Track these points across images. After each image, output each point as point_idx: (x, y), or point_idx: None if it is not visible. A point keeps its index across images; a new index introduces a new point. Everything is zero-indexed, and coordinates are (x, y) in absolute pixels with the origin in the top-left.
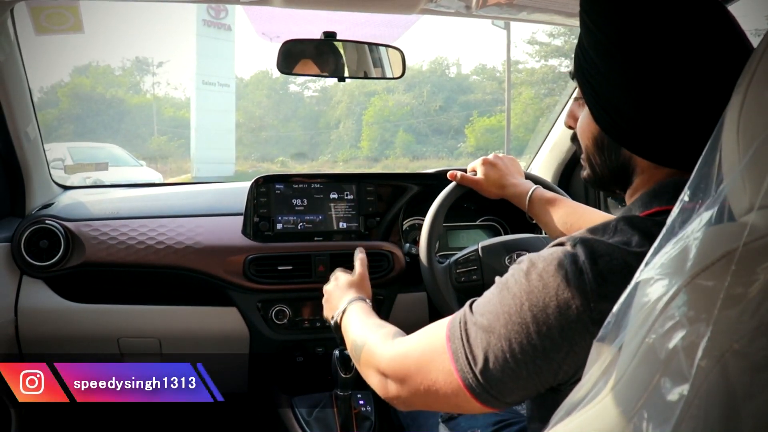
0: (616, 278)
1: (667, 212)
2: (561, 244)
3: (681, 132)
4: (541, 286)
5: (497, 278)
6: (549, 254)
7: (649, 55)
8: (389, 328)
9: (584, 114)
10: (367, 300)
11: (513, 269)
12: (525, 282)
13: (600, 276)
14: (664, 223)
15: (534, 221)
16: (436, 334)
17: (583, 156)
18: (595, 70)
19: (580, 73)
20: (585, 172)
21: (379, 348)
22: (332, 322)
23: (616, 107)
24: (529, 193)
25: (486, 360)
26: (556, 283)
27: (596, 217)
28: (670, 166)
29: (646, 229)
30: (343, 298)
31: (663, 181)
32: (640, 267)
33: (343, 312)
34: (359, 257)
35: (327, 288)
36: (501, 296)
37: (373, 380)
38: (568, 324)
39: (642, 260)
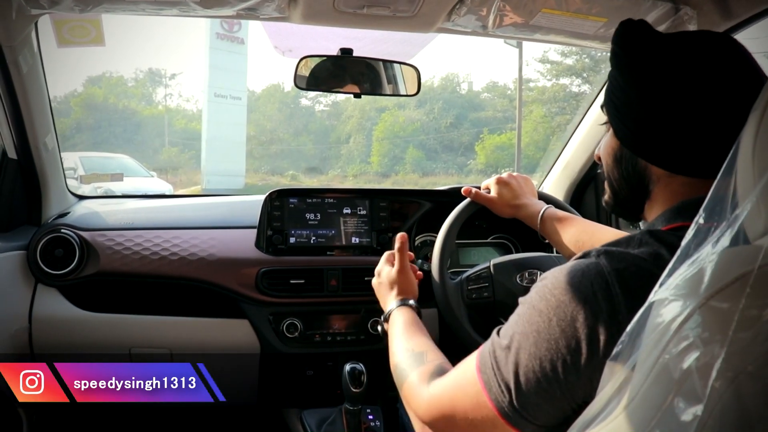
0: (642, 292)
1: None
2: (585, 256)
3: (690, 141)
4: (567, 300)
5: (520, 299)
6: (573, 267)
7: (661, 71)
8: (429, 365)
9: (608, 135)
10: (411, 302)
11: (536, 287)
12: (551, 298)
13: (627, 289)
14: None
15: (546, 241)
16: (467, 368)
17: (605, 178)
18: (618, 88)
19: (607, 95)
20: (605, 196)
21: (417, 393)
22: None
23: (633, 119)
24: (541, 212)
25: (518, 383)
26: (582, 297)
27: (608, 235)
28: (682, 174)
29: (672, 243)
30: (387, 301)
31: (686, 200)
32: (654, 288)
33: (388, 320)
34: (397, 246)
35: (373, 283)
36: (528, 316)
37: (416, 425)
38: (597, 337)
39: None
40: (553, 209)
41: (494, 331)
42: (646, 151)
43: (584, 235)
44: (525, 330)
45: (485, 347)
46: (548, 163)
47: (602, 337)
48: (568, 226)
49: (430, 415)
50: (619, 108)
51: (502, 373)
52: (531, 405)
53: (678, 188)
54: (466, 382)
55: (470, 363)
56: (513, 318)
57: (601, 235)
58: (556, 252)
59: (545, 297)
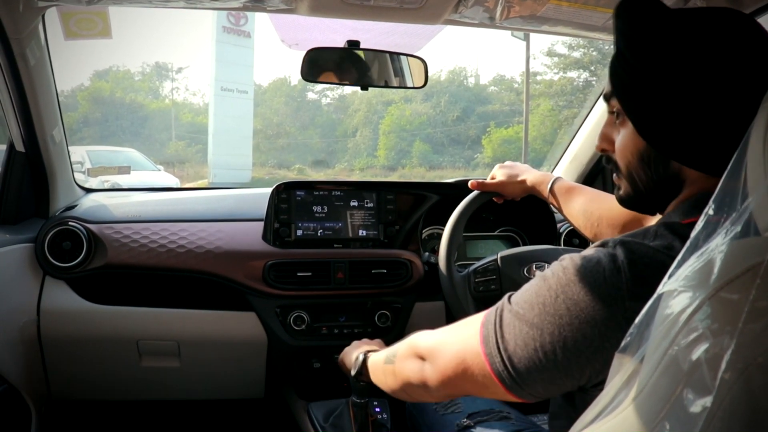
0: (654, 280)
1: None
2: (604, 245)
3: (730, 141)
4: (577, 281)
5: (538, 272)
6: (591, 254)
7: (695, 70)
8: (400, 348)
9: (626, 132)
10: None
11: (553, 265)
12: (563, 276)
13: (637, 276)
14: None
15: (560, 219)
16: (473, 320)
17: (620, 175)
18: (642, 86)
19: (621, 90)
20: (621, 192)
21: (418, 337)
22: (356, 366)
23: (664, 120)
24: (550, 183)
25: (515, 347)
26: (592, 279)
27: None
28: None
29: (687, 236)
30: (360, 348)
31: (705, 192)
32: (663, 279)
33: (365, 358)
34: None
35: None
36: (538, 288)
37: (412, 366)
38: (602, 320)
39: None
40: (562, 180)
41: (506, 295)
42: (682, 154)
43: (592, 204)
44: (532, 300)
45: (494, 306)
46: (555, 156)
47: (605, 323)
48: (577, 195)
49: (429, 350)
50: (646, 107)
51: (503, 333)
52: (523, 370)
53: (713, 187)
54: (468, 333)
55: (477, 317)
56: (525, 286)
57: (610, 202)
58: (563, 239)
59: (557, 274)
